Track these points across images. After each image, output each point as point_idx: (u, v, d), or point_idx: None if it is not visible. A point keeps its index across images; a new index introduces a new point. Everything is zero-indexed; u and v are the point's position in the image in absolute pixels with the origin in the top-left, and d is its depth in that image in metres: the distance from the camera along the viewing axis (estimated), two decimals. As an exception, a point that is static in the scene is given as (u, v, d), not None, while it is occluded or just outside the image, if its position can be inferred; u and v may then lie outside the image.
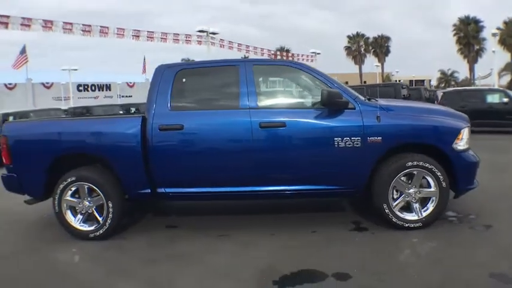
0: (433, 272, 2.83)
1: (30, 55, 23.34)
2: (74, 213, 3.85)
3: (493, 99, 11.00)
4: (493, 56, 25.17)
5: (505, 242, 3.31)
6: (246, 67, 3.75)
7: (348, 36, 58.36)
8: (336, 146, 3.56)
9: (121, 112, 13.14)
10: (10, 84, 25.74)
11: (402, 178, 3.63)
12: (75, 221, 3.82)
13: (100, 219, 3.77)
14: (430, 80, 79.96)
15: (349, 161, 3.60)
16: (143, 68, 40.16)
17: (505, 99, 10.65)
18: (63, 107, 14.99)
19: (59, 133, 3.85)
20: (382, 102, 3.85)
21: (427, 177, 3.62)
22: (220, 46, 22.91)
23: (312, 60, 34.85)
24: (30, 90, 26.52)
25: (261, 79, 3.88)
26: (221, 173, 3.69)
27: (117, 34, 18.96)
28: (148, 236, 3.83)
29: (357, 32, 58.47)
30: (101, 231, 3.76)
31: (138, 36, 19.46)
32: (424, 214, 3.64)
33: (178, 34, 20.51)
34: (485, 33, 46.95)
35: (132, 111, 15.31)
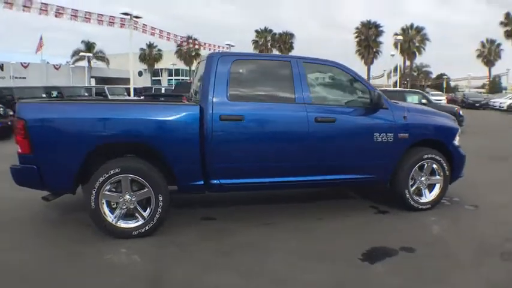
0: (467, 239, 3.64)
1: None
2: (111, 209, 3.51)
3: (412, 99, 12.74)
4: (388, 59, 29.36)
5: (493, 215, 4.33)
6: (298, 63, 3.95)
7: (256, 31, 60.38)
8: (375, 140, 4.06)
9: (55, 95, 11.57)
10: None
11: (416, 168, 4.32)
12: (113, 218, 3.48)
13: (144, 214, 3.52)
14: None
15: (383, 153, 4.15)
16: (38, 46, 35.05)
17: (424, 101, 12.63)
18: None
19: (107, 118, 3.45)
20: (404, 104, 4.49)
21: (434, 167, 4.38)
22: (143, 31, 21.41)
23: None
24: None
25: (310, 76, 4.11)
26: (277, 164, 3.86)
27: (41, 10, 16.15)
28: (192, 230, 3.75)
29: (265, 27, 60.65)
30: (147, 228, 3.53)
31: (61, 13, 16.92)
32: (432, 198, 4.41)
33: (102, 15, 18.44)
34: (382, 38, 53.28)
35: (54, 95, 13.56)
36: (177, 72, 67.18)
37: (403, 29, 51.69)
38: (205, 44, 39.72)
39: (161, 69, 64.35)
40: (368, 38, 53.75)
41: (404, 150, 4.24)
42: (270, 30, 60.51)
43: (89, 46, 48.84)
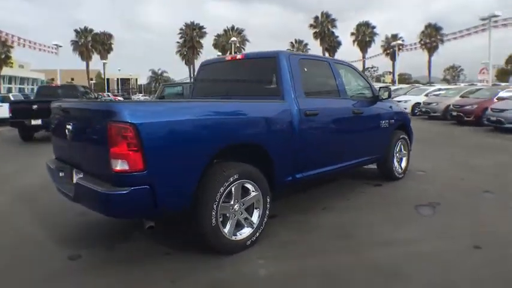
0: (454, 189, 5.16)
1: None
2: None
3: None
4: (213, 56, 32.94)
5: (443, 175, 6.05)
6: (332, 63, 4.59)
7: (76, 31, 55.76)
8: (382, 126, 5.14)
9: None
10: None
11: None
12: (228, 232, 3.15)
13: (254, 220, 3.33)
14: (136, 79, 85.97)
15: (384, 136, 5.26)
16: None
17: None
18: None
19: (228, 119, 3.18)
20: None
21: (401, 144, 5.79)
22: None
23: (56, 53, 30.80)
24: None
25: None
26: (337, 152, 4.41)
27: None
28: (276, 229, 3.70)
29: (85, 27, 56.24)
30: (257, 234, 3.40)
31: None
32: (403, 169, 5.84)
33: None
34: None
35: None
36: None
37: (225, 30, 56.44)
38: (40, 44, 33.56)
39: None
40: (193, 38, 56.33)
41: (391, 133, 5.44)
42: (91, 30, 55.75)
43: None
